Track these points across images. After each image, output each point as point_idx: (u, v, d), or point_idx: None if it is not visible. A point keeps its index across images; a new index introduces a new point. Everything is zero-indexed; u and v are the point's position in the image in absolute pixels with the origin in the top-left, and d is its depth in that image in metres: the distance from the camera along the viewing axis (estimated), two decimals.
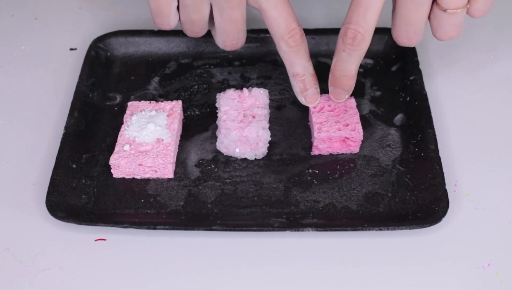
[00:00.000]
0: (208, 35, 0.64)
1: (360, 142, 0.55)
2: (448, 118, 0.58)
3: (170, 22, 0.53)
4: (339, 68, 0.51)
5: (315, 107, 0.56)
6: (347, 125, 0.54)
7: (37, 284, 0.47)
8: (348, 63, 0.50)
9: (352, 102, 0.56)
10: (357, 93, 0.60)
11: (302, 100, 0.54)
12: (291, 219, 0.50)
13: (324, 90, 0.60)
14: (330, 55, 0.64)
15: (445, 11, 0.47)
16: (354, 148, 0.55)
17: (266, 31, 0.64)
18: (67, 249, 0.50)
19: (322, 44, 0.64)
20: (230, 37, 0.53)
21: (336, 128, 0.54)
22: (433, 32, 0.50)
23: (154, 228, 0.49)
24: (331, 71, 0.52)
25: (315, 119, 0.55)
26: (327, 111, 0.55)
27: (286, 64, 0.53)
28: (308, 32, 0.64)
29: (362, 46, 0.49)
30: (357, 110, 0.55)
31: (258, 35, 0.64)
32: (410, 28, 0.49)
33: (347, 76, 0.51)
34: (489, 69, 0.63)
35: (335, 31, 0.63)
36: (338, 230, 0.49)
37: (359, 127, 0.54)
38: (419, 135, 0.55)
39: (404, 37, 0.49)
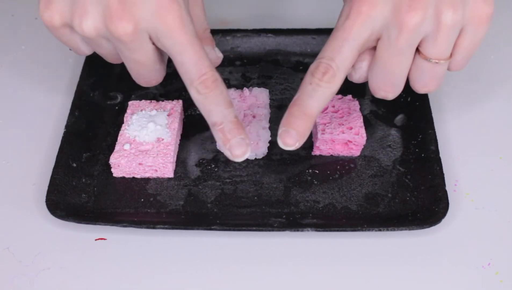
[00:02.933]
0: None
1: (362, 146, 0.54)
2: (448, 118, 0.58)
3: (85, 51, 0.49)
4: (299, 103, 0.44)
5: None
6: (351, 128, 0.54)
7: (37, 284, 0.47)
8: (310, 99, 0.43)
9: (356, 104, 0.56)
10: (358, 93, 0.60)
11: (227, 153, 0.45)
12: (291, 219, 0.50)
13: None
14: None
15: (428, 60, 0.43)
16: (356, 151, 0.55)
17: (266, 31, 0.64)
18: (67, 248, 0.50)
19: (322, 44, 0.63)
20: (139, 76, 0.48)
21: (340, 130, 0.54)
22: (412, 83, 0.46)
23: (154, 228, 0.49)
24: (288, 107, 0.45)
25: (319, 119, 0.55)
26: (330, 112, 0.55)
27: (203, 114, 0.45)
28: (308, 32, 0.64)
29: (332, 83, 0.43)
30: (360, 114, 0.55)
31: (259, 35, 0.64)
32: (388, 79, 0.44)
33: (305, 115, 0.44)
34: (489, 69, 0.63)
35: None
36: (337, 230, 0.49)
37: (363, 131, 0.54)
38: (420, 136, 0.55)
39: (381, 89, 0.45)
